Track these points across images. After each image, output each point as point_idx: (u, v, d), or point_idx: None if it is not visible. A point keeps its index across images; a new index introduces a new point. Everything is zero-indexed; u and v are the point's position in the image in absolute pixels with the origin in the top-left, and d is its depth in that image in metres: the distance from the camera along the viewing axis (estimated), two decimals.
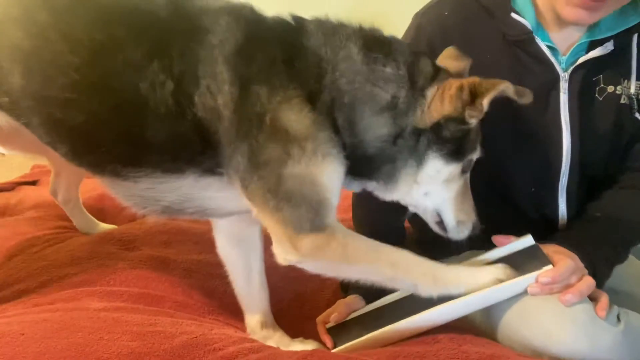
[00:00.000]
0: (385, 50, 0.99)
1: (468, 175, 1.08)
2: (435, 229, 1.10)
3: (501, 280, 0.99)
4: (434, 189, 1.04)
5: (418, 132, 0.99)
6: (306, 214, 0.94)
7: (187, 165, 0.99)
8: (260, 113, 0.93)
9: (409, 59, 1.00)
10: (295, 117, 0.93)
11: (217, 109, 0.94)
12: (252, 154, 0.94)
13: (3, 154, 2.50)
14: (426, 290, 0.99)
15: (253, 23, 1.00)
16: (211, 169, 0.99)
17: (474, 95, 0.95)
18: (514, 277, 1.01)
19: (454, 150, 1.01)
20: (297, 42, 0.98)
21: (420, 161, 1.00)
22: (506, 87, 0.94)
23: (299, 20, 1.02)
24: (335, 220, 0.98)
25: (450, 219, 1.07)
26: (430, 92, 0.98)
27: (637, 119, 1.21)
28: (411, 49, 1.04)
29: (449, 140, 1.00)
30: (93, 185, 1.79)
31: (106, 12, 1.00)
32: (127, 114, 0.98)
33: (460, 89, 0.96)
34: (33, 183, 2.17)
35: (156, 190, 1.04)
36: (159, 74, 0.94)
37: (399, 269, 0.99)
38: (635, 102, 1.20)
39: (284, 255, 0.98)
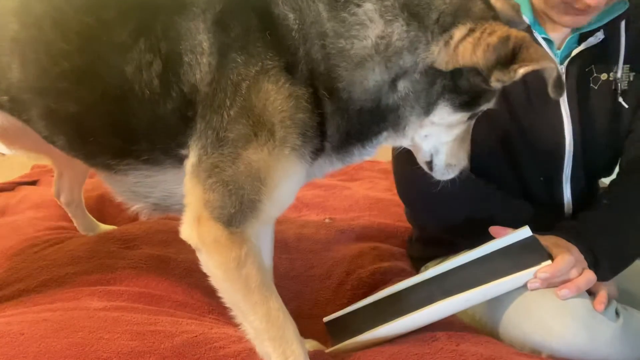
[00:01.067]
0: None
1: (473, 120, 1.01)
2: (423, 166, 1.06)
3: None
4: (435, 132, 0.98)
5: (432, 74, 0.89)
6: (232, 205, 0.88)
7: (164, 157, 0.97)
8: (236, 82, 0.88)
9: None
10: (272, 87, 0.87)
11: (196, 84, 0.90)
12: (221, 128, 0.89)
13: (3, 154, 2.49)
14: None
15: None
16: (184, 160, 0.96)
17: (514, 56, 0.82)
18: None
19: (467, 102, 0.92)
20: (268, 8, 0.90)
21: (428, 107, 0.92)
22: (552, 68, 0.84)
23: None
24: (255, 235, 0.91)
25: (440, 162, 1.03)
26: (460, 31, 0.85)
27: (620, 103, 1.22)
28: None
29: (465, 91, 0.90)
30: (93, 185, 1.80)
31: None
32: (113, 100, 0.96)
33: (505, 40, 0.82)
34: (33, 183, 2.17)
35: (144, 185, 1.03)
36: (145, 54, 0.91)
37: (269, 330, 0.90)
38: (619, 86, 1.21)
39: (185, 233, 0.93)
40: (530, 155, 1.25)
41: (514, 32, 0.84)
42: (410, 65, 0.89)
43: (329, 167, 1.00)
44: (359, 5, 0.88)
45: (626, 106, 1.22)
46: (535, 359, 0.99)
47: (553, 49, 1.22)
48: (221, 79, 0.89)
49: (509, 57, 0.83)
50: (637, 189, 1.23)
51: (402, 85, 0.90)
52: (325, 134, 0.93)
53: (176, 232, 1.57)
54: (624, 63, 1.21)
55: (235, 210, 0.88)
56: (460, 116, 0.95)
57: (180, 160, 0.96)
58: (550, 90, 0.86)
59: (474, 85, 0.89)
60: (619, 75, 1.21)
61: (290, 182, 0.93)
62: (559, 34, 1.23)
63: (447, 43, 0.86)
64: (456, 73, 0.88)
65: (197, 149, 0.91)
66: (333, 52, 0.89)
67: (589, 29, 1.20)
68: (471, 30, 0.85)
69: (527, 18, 1.19)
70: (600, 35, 1.20)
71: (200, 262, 0.94)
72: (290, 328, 0.91)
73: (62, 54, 0.96)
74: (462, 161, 1.04)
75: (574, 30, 1.22)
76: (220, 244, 0.89)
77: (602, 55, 1.22)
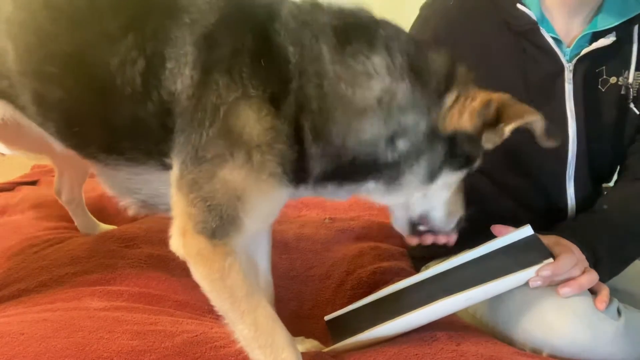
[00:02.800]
0: (368, 38, 0.87)
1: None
2: (402, 226, 1.05)
3: None
4: (435, 193, 0.99)
5: (432, 137, 0.89)
6: (211, 220, 0.88)
7: (148, 157, 0.97)
8: (216, 104, 0.86)
9: (408, 48, 0.89)
10: (253, 116, 0.86)
11: (176, 94, 0.89)
12: (200, 147, 0.88)
13: (3, 154, 2.49)
14: None
15: (233, 4, 0.92)
16: (168, 165, 0.95)
17: (499, 117, 0.85)
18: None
19: (465, 163, 0.95)
20: (266, 34, 0.88)
21: (432, 174, 0.93)
22: (537, 121, 0.86)
23: (276, 3, 0.93)
24: (240, 246, 0.91)
25: (440, 216, 1.03)
26: (450, 99, 0.88)
27: (631, 108, 1.22)
28: (411, 38, 0.93)
29: (461, 154, 0.93)
30: (93, 185, 1.80)
31: None
32: (96, 91, 0.95)
33: (487, 104, 0.86)
34: (33, 183, 2.17)
35: (134, 181, 1.02)
36: (131, 50, 0.90)
37: (258, 338, 0.89)
38: (630, 91, 1.21)
39: (173, 245, 0.93)
40: (532, 153, 1.24)
41: (494, 96, 0.87)
42: (411, 125, 0.88)
43: (304, 192, 0.99)
44: (368, 57, 0.87)
45: (637, 112, 1.22)
46: (536, 359, 0.99)
47: (562, 47, 1.22)
48: (202, 96, 0.88)
49: (494, 119, 0.86)
50: (635, 197, 1.24)
51: (403, 144, 0.89)
52: (306, 170, 0.91)
53: None
54: (636, 69, 1.21)
55: (217, 225, 0.88)
56: (460, 175, 0.98)
57: (163, 165, 0.96)
58: (541, 141, 0.88)
59: (468, 149, 0.92)
60: (630, 80, 1.21)
61: (269, 203, 0.93)
62: (568, 31, 1.23)
63: (442, 109, 0.88)
64: (453, 139, 0.90)
65: (179, 163, 0.91)
66: (331, 95, 0.87)
67: (602, 29, 1.20)
68: (457, 97, 0.88)
69: (535, 15, 1.19)
70: (612, 37, 1.19)
71: (193, 274, 0.94)
72: (280, 334, 0.90)
73: (49, 36, 0.95)
74: (461, 210, 1.05)
75: (585, 29, 1.21)
76: (204, 256, 0.89)
77: (613, 58, 1.22)
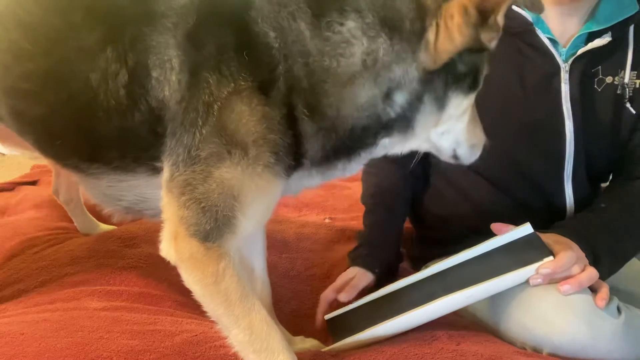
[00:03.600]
0: (337, 6, 0.86)
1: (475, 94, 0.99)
2: (449, 161, 1.03)
3: None
4: (451, 126, 0.95)
5: (428, 76, 0.88)
6: (207, 222, 0.86)
7: (136, 164, 0.96)
8: (208, 102, 0.86)
9: (375, 2, 0.87)
10: (245, 108, 0.85)
11: (164, 100, 0.88)
12: (193, 146, 0.87)
13: (3, 154, 2.50)
14: None
15: (206, 3, 0.91)
16: (159, 170, 0.94)
17: (484, 14, 0.84)
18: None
19: (473, 81, 0.92)
20: (245, 26, 0.87)
21: (440, 104, 0.90)
22: None
23: None
24: (234, 249, 0.90)
25: (464, 149, 1.00)
26: (431, 33, 0.86)
27: (627, 108, 1.22)
28: None
29: (466, 73, 0.90)
30: None
31: None
32: (78, 106, 0.93)
33: (464, 11, 0.83)
34: (33, 183, 2.17)
35: (117, 188, 1.01)
36: (112, 63, 0.89)
37: (253, 341, 0.89)
38: (626, 91, 1.21)
39: (164, 250, 0.92)
40: (530, 153, 1.25)
41: (464, 0, 0.84)
42: (401, 76, 0.87)
43: (308, 181, 0.98)
44: (342, 24, 0.86)
45: (633, 112, 1.22)
46: (536, 358, 0.99)
47: (558, 47, 1.22)
48: (192, 98, 0.87)
49: (480, 19, 0.84)
50: (632, 195, 1.24)
51: (400, 96, 0.89)
52: (302, 153, 0.91)
53: None
54: (632, 69, 1.21)
55: (211, 227, 0.87)
56: (471, 98, 0.94)
57: (153, 169, 0.95)
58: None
59: (471, 62, 0.89)
60: (626, 80, 1.21)
61: (265, 199, 0.92)
62: (564, 31, 1.23)
63: (427, 47, 0.86)
64: (450, 64, 0.88)
65: (169, 165, 0.90)
66: (318, 70, 0.86)
67: (597, 29, 1.20)
68: (437, 26, 0.85)
69: (530, 16, 1.19)
70: (607, 37, 1.19)
71: (182, 278, 0.92)
72: (275, 338, 0.90)
73: (25, 54, 0.95)
74: (482, 137, 1.02)
75: (581, 29, 1.22)
76: (197, 260, 0.88)
77: (609, 58, 1.22)
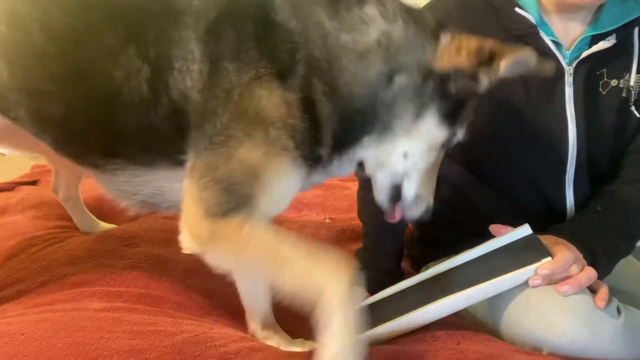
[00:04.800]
0: None
1: (442, 155, 1.04)
2: (384, 196, 1.02)
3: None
4: (415, 151, 0.97)
5: (425, 74, 0.93)
6: (226, 201, 0.88)
7: (157, 158, 0.98)
8: (228, 90, 0.89)
9: (399, 2, 0.95)
10: (265, 94, 0.89)
11: (187, 92, 0.91)
12: (214, 134, 0.90)
13: (3, 154, 2.50)
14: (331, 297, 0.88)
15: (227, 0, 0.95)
16: (180, 162, 0.96)
17: (493, 57, 0.90)
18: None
19: (451, 112, 0.96)
20: (267, 18, 0.93)
21: (420, 111, 0.94)
22: (528, 56, 0.91)
23: None
24: (252, 216, 0.89)
25: (411, 190, 1.00)
26: (445, 39, 0.93)
27: (632, 111, 1.21)
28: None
29: (451, 97, 0.94)
30: (93, 184, 1.79)
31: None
32: (101, 104, 0.96)
33: (481, 47, 0.91)
34: (33, 183, 2.17)
35: (132, 184, 1.03)
36: (134, 60, 0.92)
37: (304, 277, 0.89)
38: (632, 94, 1.21)
39: (184, 240, 0.93)
40: (532, 157, 1.24)
41: (487, 42, 0.91)
42: (407, 62, 0.92)
43: (316, 177, 1.00)
44: (360, 8, 0.93)
45: (638, 115, 1.22)
46: (535, 357, 0.99)
47: (562, 50, 1.21)
48: (213, 86, 0.90)
49: (488, 59, 0.90)
50: (628, 199, 1.24)
51: (398, 80, 0.93)
52: (321, 141, 0.93)
53: (176, 232, 1.57)
54: (637, 72, 1.21)
55: (232, 206, 0.88)
56: (441, 133, 0.97)
57: (176, 162, 0.96)
58: (539, 71, 0.94)
59: (461, 87, 0.94)
60: (631, 83, 1.21)
61: (284, 183, 0.93)
62: (568, 34, 1.23)
63: (437, 47, 0.93)
64: (445, 77, 0.93)
65: (193, 155, 0.92)
66: (335, 48, 0.92)
67: (602, 31, 1.19)
68: (453, 38, 0.93)
69: (533, 18, 1.19)
70: (612, 40, 1.19)
71: (212, 265, 0.93)
72: (323, 259, 0.88)
73: (48, 57, 0.97)
74: (429, 196, 1.03)
75: (585, 32, 1.21)
76: (220, 234, 0.89)
77: (614, 61, 1.21)
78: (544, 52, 1.20)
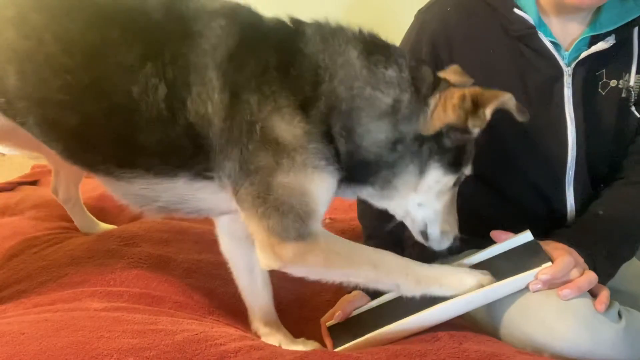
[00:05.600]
0: (385, 53, 0.98)
1: (457, 189, 1.08)
2: (418, 238, 1.10)
3: (482, 286, 1.00)
4: (428, 200, 1.04)
5: (420, 140, 0.98)
6: (292, 223, 0.95)
7: (178, 169, 1.00)
8: (250, 122, 0.93)
9: (411, 64, 0.99)
10: (286, 127, 0.93)
11: (208, 116, 0.94)
12: (242, 161, 0.94)
13: (3, 154, 2.50)
14: (409, 290, 1.01)
15: (249, 27, 0.98)
16: (202, 173, 0.99)
17: (476, 105, 0.95)
18: (495, 282, 1.01)
19: (453, 161, 1.01)
20: (294, 47, 0.97)
21: (421, 169, 1.00)
22: (508, 99, 0.94)
23: (297, 23, 1.01)
24: (320, 227, 0.99)
25: (435, 230, 1.07)
26: (433, 101, 0.97)
27: (632, 112, 1.21)
28: (412, 55, 1.03)
29: (449, 149, 0.99)
30: (93, 185, 1.80)
31: (99, 14, 1.00)
32: (119, 117, 0.98)
33: (463, 98, 0.95)
34: (33, 183, 2.18)
35: (151, 190, 1.04)
36: (151, 77, 0.94)
37: (380, 271, 1.00)
38: (631, 94, 1.21)
39: (266, 262, 0.99)
40: (532, 159, 1.24)
41: (466, 90, 0.97)
42: (407, 132, 0.97)
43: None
44: (386, 68, 0.97)
45: (638, 115, 1.22)
46: (537, 357, 0.99)
47: (560, 51, 1.21)
48: (235, 116, 0.94)
49: (472, 108, 0.95)
50: (629, 201, 1.23)
51: (400, 148, 0.98)
52: (342, 165, 0.99)
53: (176, 232, 1.58)
54: (637, 72, 1.21)
55: (299, 224, 0.95)
56: (449, 179, 1.02)
57: (197, 174, 0.99)
58: (517, 116, 0.96)
59: (455, 141, 0.99)
60: (631, 83, 1.21)
61: (328, 189, 0.99)
62: (567, 34, 1.22)
63: (425, 113, 0.98)
64: (438, 135, 0.98)
65: (224, 178, 0.97)
66: (360, 97, 0.96)
67: (601, 32, 1.19)
68: (439, 98, 0.97)
69: (532, 19, 1.18)
70: (611, 41, 1.19)
71: (294, 274, 1.01)
72: (389, 256, 1.02)
73: (64, 68, 0.97)
74: (454, 228, 1.09)
75: (584, 32, 1.21)
76: (302, 255, 0.97)
77: (613, 61, 1.21)
78: (542, 53, 1.20)
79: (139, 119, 0.95)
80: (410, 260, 1.03)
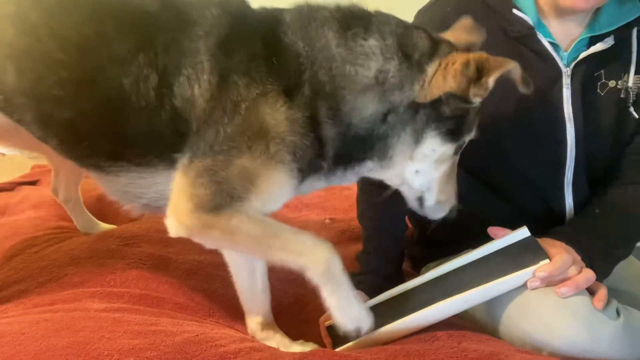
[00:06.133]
0: (364, 24, 0.96)
1: (457, 157, 1.07)
2: (413, 205, 1.09)
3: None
4: (425, 168, 1.02)
5: (415, 108, 0.96)
6: (219, 199, 0.94)
7: (157, 160, 1.00)
8: (235, 102, 0.93)
9: (397, 30, 0.97)
10: (269, 111, 0.93)
11: (193, 98, 0.95)
12: (215, 142, 0.94)
13: (3, 154, 2.49)
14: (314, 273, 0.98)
15: (238, 17, 1.00)
16: (176, 160, 0.99)
17: (480, 72, 0.92)
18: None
19: (452, 130, 0.99)
20: (276, 37, 0.97)
21: (417, 138, 0.98)
22: (514, 67, 0.92)
23: (277, 13, 1.01)
24: (242, 209, 0.96)
25: (431, 199, 1.07)
26: (432, 68, 0.95)
27: (630, 112, 1.22)
28: (400, 21, 1.01)
29: (448, 118, 0.97)
30: (93, 185, 1.80)
31: (96, 8, 1.01)
32: (111, 110, 0.99)
33: (466, 64, 0.92)
34: (33, 183, 2.17)
35: (136, 185, 1.05)
36: (143, 68, 0.95)
37: (292, 251, 0.98)
38: (630, 95, 1.21)
39: (174, 227, 0.97)
40: (531, 159, 1.24)
41: (471, 55, 0.93)
42: (398, 101, 0.96)
43: (316, 183, 1.05)
44: (365, 39, 0.95)
45: (637, 116, 1.22)
46: (536, 356, 0.99)
47: (559, 51, 1.21)
48: (221, 96, 0.94)
49: (476, 75, 0.92)
50: (626, 201, 1.24)
51: (391, 118, 0.96)
52: (323, 155, 0.98)
53: None
54: (636, 73, 1.21)
55: (223, 203, 0.94)
56: (447, 147, 1.01)
57: (172, 163, 0.99)
58: (521, 87, 0.94)
59: (455, 110, 0.96)
60: (630, 84, 1.21)
61: (277, 191, 0.98)
62: (565, 35, 1.23)
63: (423, 80, 0.95)
64: (436, 102, 0.95)
65: (190, 154, 0.96)
66: (339, 76, 0.95)
67: (599, 32, 1.19)
68: (439, 65, 0.95)
69: (531, 20, 1.19)
70: (610, 41, 1.19)
71: (200, 243, 0.99)
72: (303, 237, 0.99)
73: (59, 64, 0.98)
74: (451, 198, 1.08)
75: (583, 33, 1.21)
76: (210, 225, 0.95)
77: (612, 62, 1.21)
78: (541, 54, 1.20)
79: (128, 110, 0.96)
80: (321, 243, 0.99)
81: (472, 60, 0.92)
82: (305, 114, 0.94)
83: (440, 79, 0.94)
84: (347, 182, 1.07)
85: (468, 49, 1.02)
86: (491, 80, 0.91)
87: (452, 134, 0.99)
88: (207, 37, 0.96)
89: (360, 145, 0.99)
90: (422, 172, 1.03)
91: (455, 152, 1.04)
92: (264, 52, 0.96)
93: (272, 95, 0.93)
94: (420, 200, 1.07)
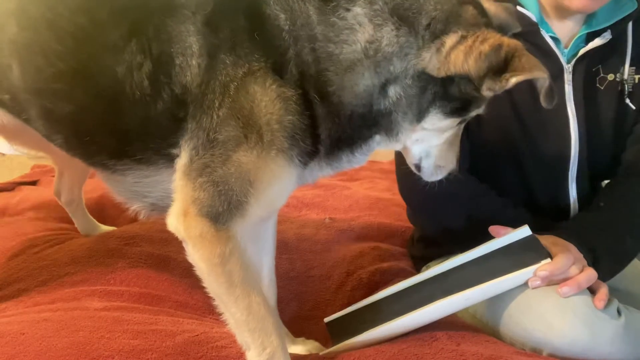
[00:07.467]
0: None
1: (462, 126, 1.02)
2: (412, 167, 1.06)
3: None
4: (426, 137, 0.99)
5: (423, 79, 0.88)
6: (219, 205, 0.90)
7: (156, 156, 0.98)
8: (225, 83, 0.89)
9: None
10: (259, 90, 0.87)
11: (187, 86, 0.91)
12: (210, 129, 0.90)
13: (3, 154, 2.50)
14: (253, 357, 0.92)
15: None
16: (175, 156, 0.96)
17: (506, 64, 0.82)
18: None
19: (458, 108, 0.92)
20: (259, 12, 0.90)
21: (419, 114, 0.92)
22: (544, 79, 0.84)
23: None
24: (240, 234, 0.92)
25: (429, 164, 1.03)
26: (451, 39, 0.85)
27: (627, 104, 1.22)
28: None
29: (455, 98, 0.90)
30: (93, 186, 1.80)
31: None
32: (107, 101, 0.96)
33: (496, 49, 0.82)
34: (33, 183, 2.17)
35: (143, 184, 1.03)
36: (136, 55, 0.92)
37: (249, 321, 0.91)
38: (625, 87, 1.21)
39: (173, 225, 0.94)
40: (535, 155, 1.25)
41: (506, 41, 0.83)
42: (400, 70, 0.88)
43: (319, 172, 1.00)
44: (348, 10, 0.88)
45: (633, 107, 1.22)
46: (535, 358, 0.99)
47: (560, 47, 1.22)
48: (210, 80, 0.90)
49: (500, 66, 0.82)
50: (633, 192, 1.24)
51: (393, 91, 0.90)
52: (319, 137, 0.93)
53: None
54: (631, 65, 1.22)
55: (223, 209, 0.90)
56: (451, 121, 0.96)
57: (172, 159, 0.96)
58: (542, 100, 0.86)
59: (465, 93, 0.89)
60: (625, 76, 1.22)
61: (279, 185, 0.94)
62: (565, 32, 1.23)
63: (438, 50, 0.86)
64: (447, 80, 0.88)
65: (189, 149, 0.92)
66: (323, 56, 0.89)
67: (597, 28, 1.20)
68: (463, 38, 0.85)
69: (534, 16, 1.19)
70: (607, 35, 1.20)
71: (186, 252, 0.94)
72: (269, 320, 0.92)
73: (56, 55, 0.97)
74: (450, 164, 1.04)
75: (581, 29, 1.22)
76: (206, 239, 0.90)
77: (609, 56, 1.22)
78: (544, 50, 1.21)
79: (124, 101, 0.94)
80: (279, 335, 0.93)
81: (505, 46, 0.82)
82: (298, 92, 0.88)
83: (461, 55, 0.84)
84: (357, 165, 1.01)
85: (501, 28, 0.91)
86: (514, 80, 0.83)
87: (458, 111, 0.93)
88: (194, 16, 0.92)
89: (363, 123, 0.92)
90: (422, 140, 0.99)
91: (461, 122, 0.99)
92: (247, 26, 0.90)
93: (261, 74, 0.88)
94: (418, 165, 1.04)
